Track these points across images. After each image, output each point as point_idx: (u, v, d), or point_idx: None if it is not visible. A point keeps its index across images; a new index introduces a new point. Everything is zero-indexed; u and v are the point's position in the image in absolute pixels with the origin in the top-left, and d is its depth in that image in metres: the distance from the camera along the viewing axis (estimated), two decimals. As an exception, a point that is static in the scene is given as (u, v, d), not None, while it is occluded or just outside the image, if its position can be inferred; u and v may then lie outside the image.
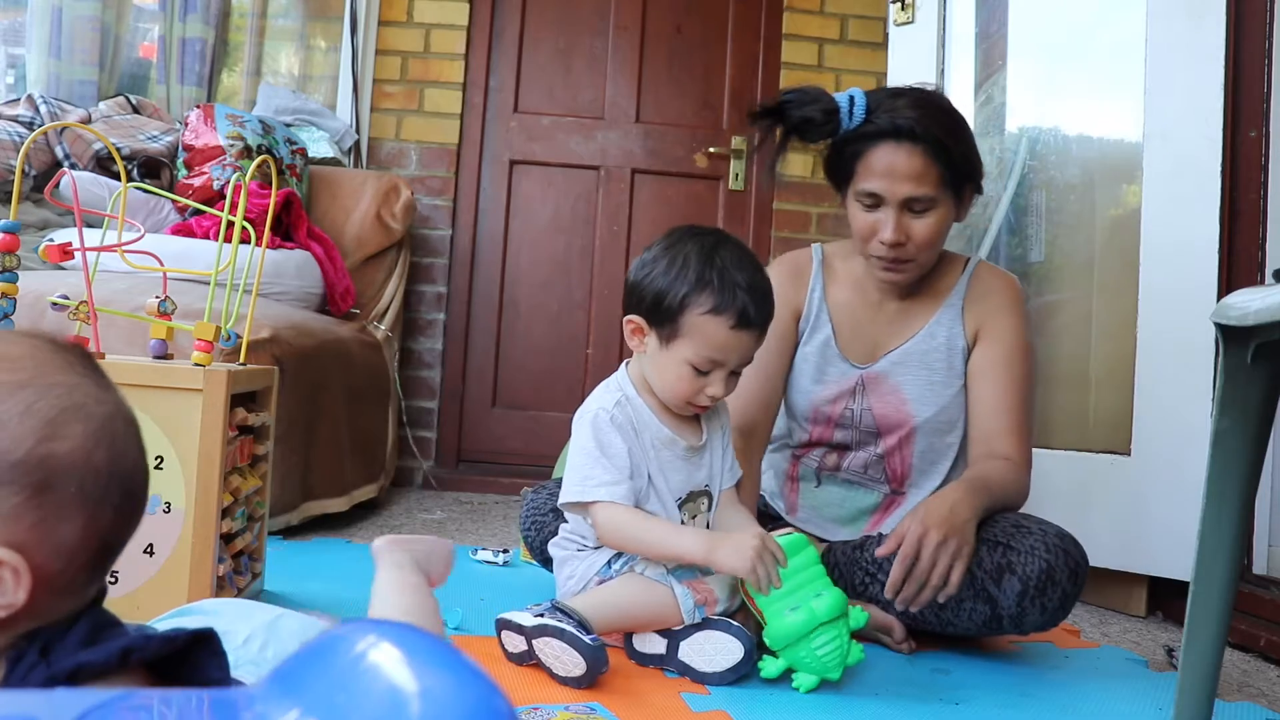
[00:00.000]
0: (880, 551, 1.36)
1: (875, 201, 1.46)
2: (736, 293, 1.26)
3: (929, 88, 1.52)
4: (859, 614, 1.29)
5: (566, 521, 1.47)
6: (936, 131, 1.41)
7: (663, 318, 1.30)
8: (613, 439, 1.31)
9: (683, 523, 1.37)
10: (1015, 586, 1.37)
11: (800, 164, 3.17)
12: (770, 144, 1.51)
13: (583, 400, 1.41)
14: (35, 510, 0.54)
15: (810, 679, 1.23)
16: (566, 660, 1.20)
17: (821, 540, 1.62)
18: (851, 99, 1.45)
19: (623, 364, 1.43)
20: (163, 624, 0.80)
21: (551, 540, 1.46)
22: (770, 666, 1.25)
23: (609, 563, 1.36)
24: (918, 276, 1.54)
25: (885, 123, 1.42)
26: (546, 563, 1.63)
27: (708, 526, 1.42)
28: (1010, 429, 1.50)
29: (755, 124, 1.51)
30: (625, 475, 1.30)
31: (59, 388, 0.56)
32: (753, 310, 1.27)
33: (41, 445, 0.54)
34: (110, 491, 0.57)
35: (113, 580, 1.23)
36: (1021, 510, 1.52)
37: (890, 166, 1.42)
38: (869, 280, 1.58)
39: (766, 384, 1.59)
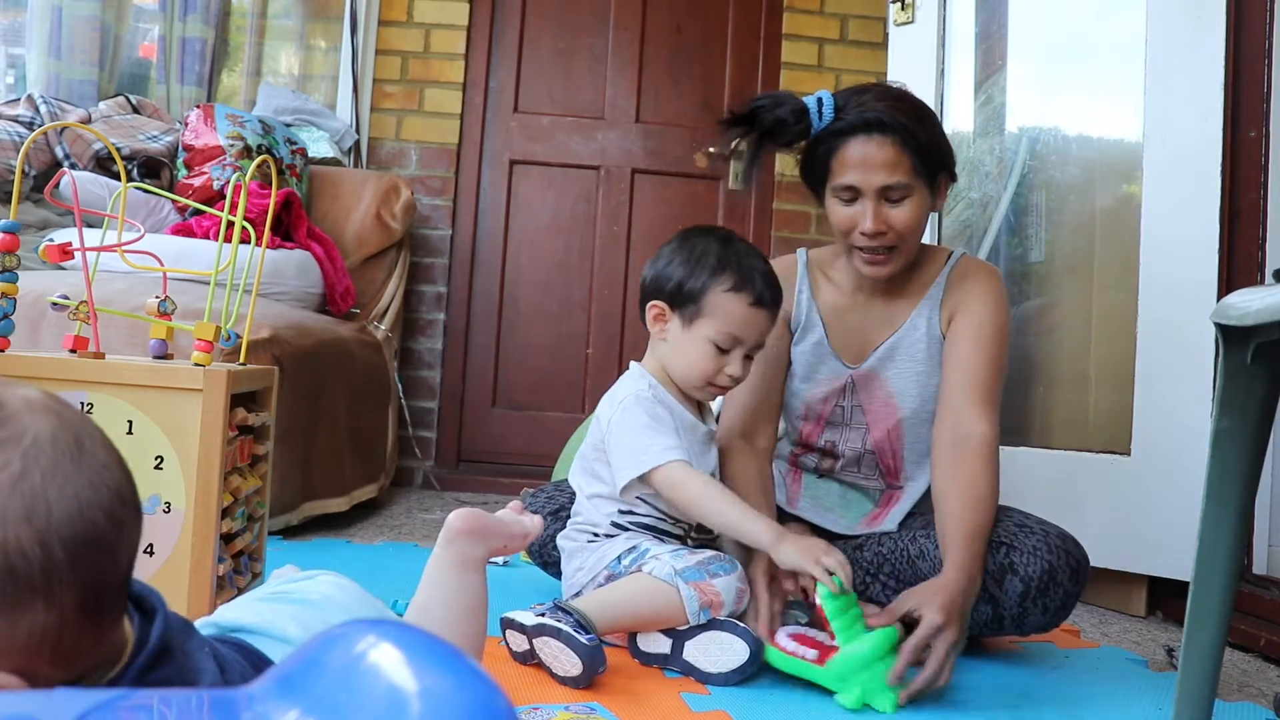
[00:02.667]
0: (875, 622, 1.25)
1: (853, 195, 1.49)
2: (754, 275, 1.39)
3: (895, 83, 1.56)
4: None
5: (565, 525, 1.47)
6: (904, 120, 1.45)
7: (686, 299, 1.39)
8: (660, 411, 1.39)
9: None
10: (1017, 587, 1.37)
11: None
12: (740, 151, 1.55)
13: (584, 400, 1.44)
14: None
15: (888, 698, 1.18)
16: (564, 660, 1.20)
17: (823, 535, 1.63)
18: (820, 100, 1.50)
19: (632, 364, 1.47)
20: (258, 605, 0.78)
21: (561, 533, 1.47)
22: (847, 698, 1.18)
23: (619, 558, 1.36)
24: (902, 266, 1.55)
25: (855, 117, 1.46)
26: (545, 566, 1.63)
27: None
28: (979, 399, 1.48)
29: (727, 132, 1.54)
30: (681, 440, 1.37)
31: None
32: (767, 292, 1.39)
33: None
34: (53, 558, 0.48)
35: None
36: (1022, 509, 1.52)
37: (863, 158, 1.46)
38: (856, 280, 1.61)
39: (764, 390, 1.62)
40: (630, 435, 1.37)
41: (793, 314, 1.64)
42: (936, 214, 2.30)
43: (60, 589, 0.49)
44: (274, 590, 0.82)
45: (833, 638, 1.20)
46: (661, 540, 1.39)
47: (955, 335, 1.54)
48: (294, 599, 0.80)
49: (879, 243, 1.49)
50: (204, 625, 0.75)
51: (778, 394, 1.64)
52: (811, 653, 1.20)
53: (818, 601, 1.21)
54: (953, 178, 1.55)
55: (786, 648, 1.22)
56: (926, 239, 2.25)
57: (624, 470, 1.36)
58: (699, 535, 1.44)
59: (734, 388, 1.44)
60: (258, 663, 0.69)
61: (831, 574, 1.20)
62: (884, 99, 1.47)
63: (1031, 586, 1.36)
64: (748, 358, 1.41)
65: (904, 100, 1.49)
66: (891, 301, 1.60)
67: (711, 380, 1.40)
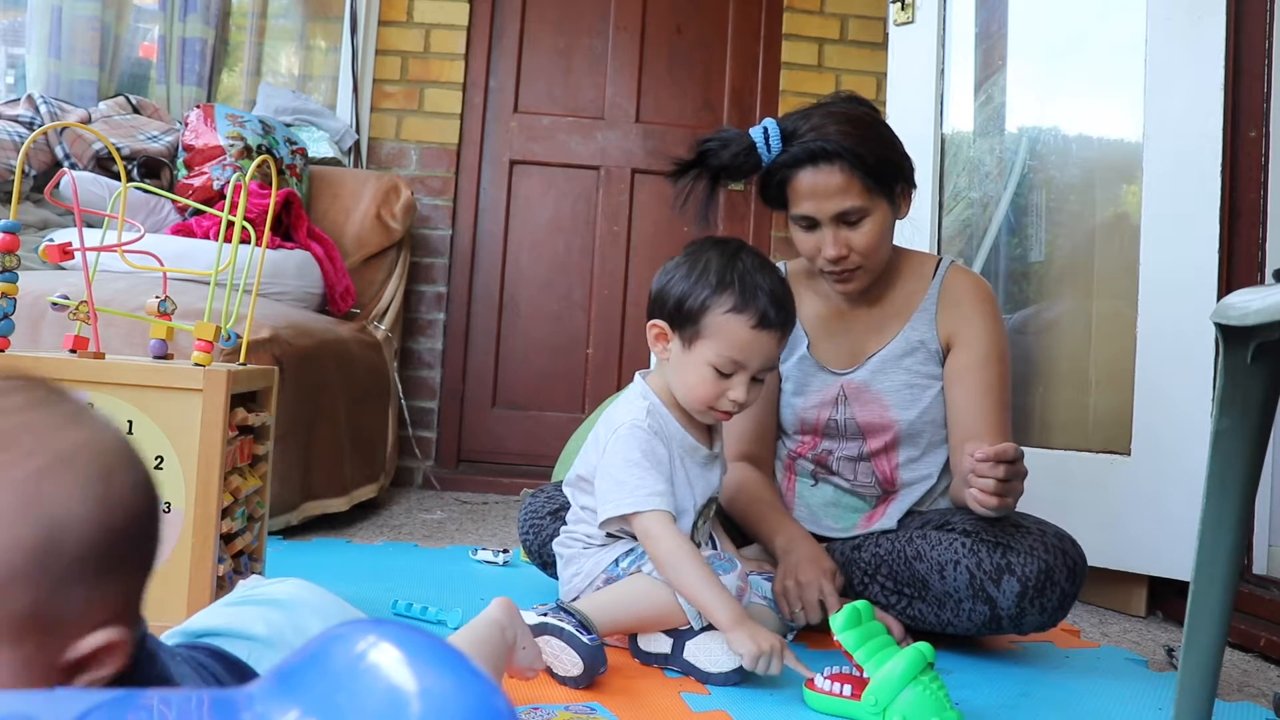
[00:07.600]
0: (980, 454, 1.30)
1: (811, 223, 1.50)
2: (758, 294, 1.30)
3: (843, 95, 1.56)
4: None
5: (565, 524, 1.47)
6: (848, 144, 1.44)
7: (685, 319, 1.33)
8: (656, 446, 1.33)
9: (695, 528, 1.38)
10: (1014, 587, 1.37)
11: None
12: (699, 192, 1.54)
13: (584, 400, 1.42)
14: (107, 582, 0.51)
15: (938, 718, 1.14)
16: (565, 659, 1.20)
17: (820, 539, 1.63)
18: (765, 130, 1.49)
19: (638, 375, 1.44)
20: (224, 610, 0.79)
21: (556, 539, 1.47)
22: None
23: (616, 560, 1.36)
24: (871, 281, 1.57)
25: (799, 150, 1.46)
26: (544, 566, 1.63)
27: (710, 535, 1.45)
28: (992, 433, 1.50)
29: (680, 179, 1.54)
30: (670, 484, 1.32)
31: (63, 446, 0.51)
32: (773, 312, 1.30)
33: (104, 515, 0.51)
34: (156, 523, 0.57)
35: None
36: (1020, 509, 1.52)
37: (813, 188, 1.46)
38: (836, 292, 1.61)
39: (760, 415, 1.63)
40: (620, 468, 1.31)
41: None
42: (937, 216, 2.30)
43: (149, 550, 0.56)
44: (240, 595, 0.84)
45: (861, 671, 1.19)
46: None
47: (959, 371, 1.55)
48: (259, 600, 0.81)
49: (842, 267, 1.51)
50: (173, 634, 0.76)
51: (774, 416, 1.66)
52: (847, 689, 1.19)
53: (836, 639, 1.18)
54: (912, 185, 1.55)
55: (822, 688, 1.20)
56: (924, 242, 2.25)
57: (607, 504, 1.31)
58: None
59: (739, 412, 1.37)
60: (229, 665, 0.71)
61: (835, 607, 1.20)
62: (830, 120, 1.46)
63: (1029, 587, 1.36)
64: (756, 381, 1.33)
65: (850, 120, 1.47)
66: (878, 311, 1.61)
67: (713, 405, 1.33)
